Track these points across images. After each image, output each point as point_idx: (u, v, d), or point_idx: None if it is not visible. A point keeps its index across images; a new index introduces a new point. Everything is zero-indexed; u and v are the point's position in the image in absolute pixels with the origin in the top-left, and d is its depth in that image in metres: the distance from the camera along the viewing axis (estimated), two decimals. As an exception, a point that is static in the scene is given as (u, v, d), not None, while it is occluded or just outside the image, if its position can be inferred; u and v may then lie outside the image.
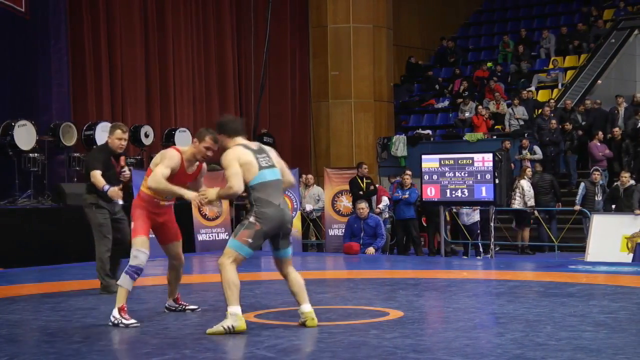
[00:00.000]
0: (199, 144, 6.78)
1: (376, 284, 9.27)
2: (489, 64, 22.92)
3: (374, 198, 15.13)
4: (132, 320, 6.56)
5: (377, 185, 15.79)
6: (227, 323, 6.09)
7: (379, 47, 20.24)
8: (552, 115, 18.36)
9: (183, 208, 14.27)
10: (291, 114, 20.62)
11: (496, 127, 20.10)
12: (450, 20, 26.08)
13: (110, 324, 6.55)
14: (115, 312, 6.58)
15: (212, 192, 6.47)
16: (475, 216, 14.71)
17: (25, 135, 13.91)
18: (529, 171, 15.85)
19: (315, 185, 16.19)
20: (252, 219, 6.23)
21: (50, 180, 14.55)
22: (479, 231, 14.68)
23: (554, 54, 22.51)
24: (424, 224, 15.33)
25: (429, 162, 13.66)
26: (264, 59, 18.08)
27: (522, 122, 19.37)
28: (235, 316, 6.10)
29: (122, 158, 9.01)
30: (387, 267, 12.22)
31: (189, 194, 6.66)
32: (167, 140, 16.48)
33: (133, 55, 17.02)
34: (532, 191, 15.53)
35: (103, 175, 8.59)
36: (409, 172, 15.08)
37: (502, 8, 26.82)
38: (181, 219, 13.97)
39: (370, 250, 13.45)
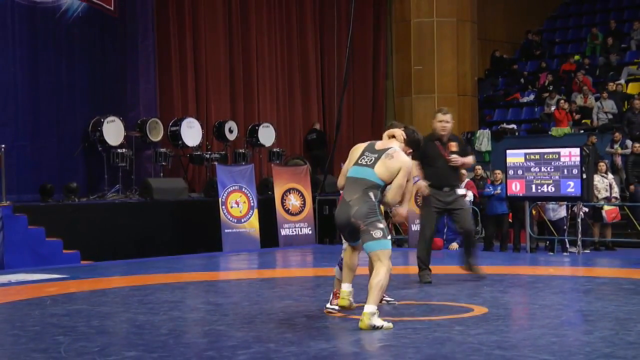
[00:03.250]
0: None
1: (460, 280, 9.18)
2: (577, 57, 22.43)
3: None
4: (335, 307, 6.81)
5: (467, 180, 15.63)
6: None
7: (463, 41, 20.01)
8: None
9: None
10: (372, 109, 20.56)
11: (583, 121, 19.66)
12: (536, 12, 25.60)
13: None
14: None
15: None
16: (562, 212, 14.44)
17: (113, 131, 14.25)
18: (602, 166, 15.38)
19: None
20: None
21: (138, 175, 14.86)
22: (565, 227, 14.41)
23: (645, 45, 21.90)
24: (509, 219, 15.13)
25: (514, 157, 13.45)
26: (346, 54, 18.11)
27: (610, 116, 18.90)
28: (340, 292, 6.66)
29: (452, 144, 8.84)
30: (471, 263, 12.06)
31: None
32: (250, 136, 16.65)
33: (217, 52, 17.24)
34: (607, 185, 15.10)
35: (430, 163, 8.74)
36: (478, 167, 15.39)
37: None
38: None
39: (454, 245, 13.34)
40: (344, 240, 6.81)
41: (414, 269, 9.69)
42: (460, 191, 8.82)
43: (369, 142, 6.63)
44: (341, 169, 6.86)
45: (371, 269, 6.83)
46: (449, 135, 8.91)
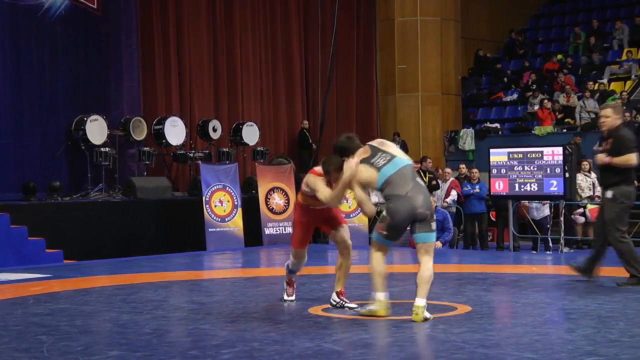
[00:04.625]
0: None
1: (444, 279, 9.20)
2: (560, 56, 22.54)
3: (443, 191, 15.06)
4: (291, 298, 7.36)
5: (452, 179, 15.68)
6: (369, 307, 6.49)
7: (446, 39, 20.07)
8: (624, 107, 17.97)
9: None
10: (356, 107, 20.58)
11: (566, 120, 19.76)
12: (519, 12, 25.71)
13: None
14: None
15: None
16: (545, 210, 14.49)
17: (97, 130, 14.19)
18: (585, 165, 15.46)
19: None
20: (384, 212, 6.49)
21: (121, 174, 14.81)
22: (548, 226, 14.46)
23: (627, 45, 22.02)
24: (493, 218, 15.18)
25: (498, 155, 13.50)
26: (330, 53, 18.12)
27: (593, 115, 19.01)
28: (376, 302, 6.44)
29: (609, 141, 8.46)
30: (454, 261, 12.12)
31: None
32: (234, 134, 16.63)
33: (201, 50, 17.21)
34: (591, 183, 15.18)
35: None
36: (462, 165, 15.47)
37: (574, -1, 26.37)
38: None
39: (438, 244, 13.36)
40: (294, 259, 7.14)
41: (398, 267, 9.71)
42: (609, 193, 8.42)
43: (369, 152, 6.58)
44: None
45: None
46: (608, 131, 8.48)
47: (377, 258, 6.50)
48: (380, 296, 6.45)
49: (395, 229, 6.44)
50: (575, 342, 5.54)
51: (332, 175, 6.69)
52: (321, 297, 7.65)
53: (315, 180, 6.81)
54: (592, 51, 22.01)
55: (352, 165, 6.50)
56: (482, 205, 14.53)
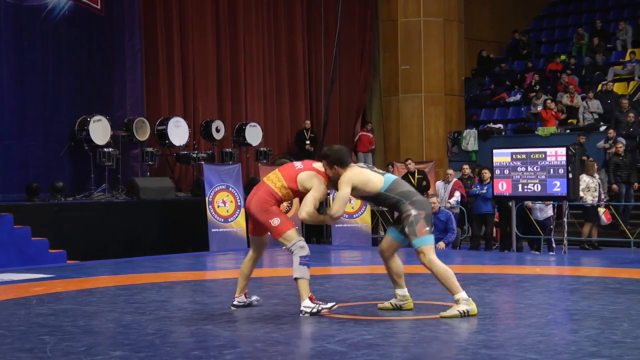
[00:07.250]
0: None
1: (447, 279, 9.19)
2: (563, 57, 22.52)
3: (447, 192, 15.07)
4: (330, 303, 6.66)
5: (455, 180, 15.67)
6: (462, 307, 6.41)
7: (449, 40, 20.06)
8: (629, 107, 17.95)
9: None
10: (359, 108, 20.56)
11: (569, 120, 19.75)
12: (522, 12, 25.70)
13: (306, 314, 6.58)
14: (307, 303, 6.63)
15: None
16: (549, 211, 14.49)
17: (100, 131, 14.21)
18: (590, 165, 15.45)
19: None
20: (414, 212, 6.51)
21: (124, 175, 14.83)
22: (552, 226, 14.46)
23: (630, 45, 21.99)
24: (496, 219, 15.19)
25: (501, 156, 13.49)
26: (333, 53, 18.12)
27: (596, 116, 18.98)
28: (467, 300, 6.45)
29: None
30: (458, 262, 12.09)
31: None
32: (237, 135, 16.63)
33: (204, 51, 17.22)
34: (597, 184, 15.19)
35: None
36: (465, 166, 15.51)
37: (577, -1, 26.35)
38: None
39: (441, 245, 13.35)
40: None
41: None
42: None
43: (364, 165, 6.85)
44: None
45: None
46: None
47: (439, 261, 6.55)
48: (465, 295, 6.48)
49: (430, 218, 6.59)
50: (578, 343, 5.53)
51: (333, 170, 6.62)
52: (324, 298, 7.62)
53: (318, 181, 6.70)
54: (595, 52, 21.98)
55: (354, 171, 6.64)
56: (488, 206, 14.54)
